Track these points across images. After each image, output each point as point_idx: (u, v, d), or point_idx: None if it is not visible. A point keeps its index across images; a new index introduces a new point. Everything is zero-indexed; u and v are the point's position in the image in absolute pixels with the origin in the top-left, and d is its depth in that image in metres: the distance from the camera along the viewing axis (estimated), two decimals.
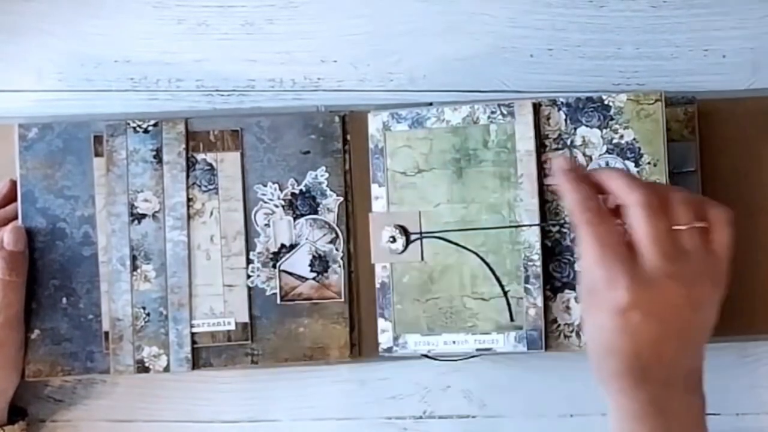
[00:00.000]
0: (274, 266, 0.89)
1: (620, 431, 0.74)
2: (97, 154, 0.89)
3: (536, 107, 0.87)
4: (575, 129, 0.86)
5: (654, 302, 0.71)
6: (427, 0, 0.93)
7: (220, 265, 0.89)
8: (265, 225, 0.89)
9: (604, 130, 0.86)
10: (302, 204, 0.89)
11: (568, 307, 0.86)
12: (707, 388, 0.90)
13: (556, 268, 0.86)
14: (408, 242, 0.88)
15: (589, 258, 0.72)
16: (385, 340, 0.88)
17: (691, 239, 0.72)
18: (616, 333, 0.71)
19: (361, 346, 0.89)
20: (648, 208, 0.72)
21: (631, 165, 0.85)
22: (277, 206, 0.89)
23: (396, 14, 0.93)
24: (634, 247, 0.72)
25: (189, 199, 0.89)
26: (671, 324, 0.72)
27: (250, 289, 0.89)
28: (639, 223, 0.72)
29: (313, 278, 0.89)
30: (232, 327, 0.88)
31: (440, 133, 0.88)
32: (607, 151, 0.86)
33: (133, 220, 0.88)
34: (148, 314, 0.88)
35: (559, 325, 0.86)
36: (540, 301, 0.85)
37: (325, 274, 0.89)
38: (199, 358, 0.88)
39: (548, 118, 0.87)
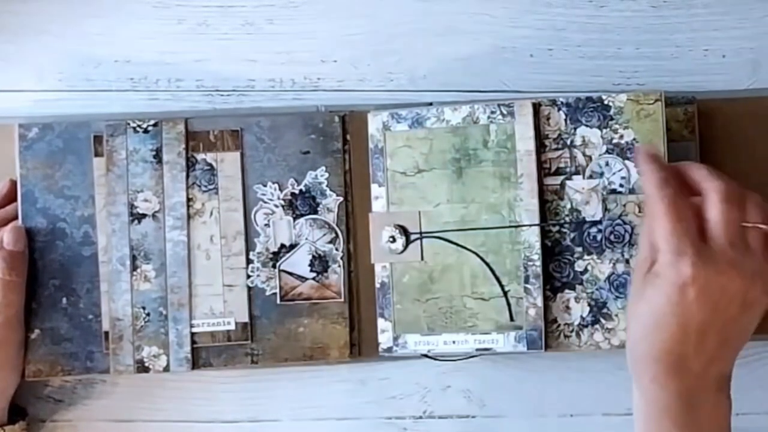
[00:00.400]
0: (274, 266, 0.89)
1: (646, 428, 0.74)
2: (97, 154, 0.89)
3: (536, 107, 0.87)
4: (575, 129, 0.86)
5: (712, 284, 0.72)
6: (427, 0, 0.93)
7: (220, 265, 0.89)
8: (265, 225, 0.89)
9: (604, 130, 0.86)
10: (302, 204, 0.89)
11: (567, 307, 0.86)
12: None
13: (555, 268, 0.86)
14: (408, 242, 0.88)
15: (661, 230, 0.74)
16: (385, 340, 0.88)
17: (756, 239, 0.75)
18: (669, 307, 0.72)
19: (361, 346, 0.90)
20: (726, 196, 0.74)
21: (631, 165, 0.85)
22: (277, 206, 0.89)
23: (396, 14, 0.93)
24: (705, 232, 0.74)
25: (189, 199, 0.89)
26: (720, 314, 0.73)
27: (249, 289, 0.89)
28: (715, 207, 0.74)
29: (313, 278, 0.89)
30: (232, 327, 0.88)
31: (440, 133, 0.88)
32: (607, 151, 0.86)
33: (133, 220, 0.88)
34: (148, 314, 0.88)
35: (558, 325, 0.86)
36: (540, 301, 0.85)
37: (325, 274, 0.89)
38: (198, 358, 0.88)
39: (548, 118, 0.87)
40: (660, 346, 0.73)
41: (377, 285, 0.89)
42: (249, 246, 0.89)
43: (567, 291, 0.86)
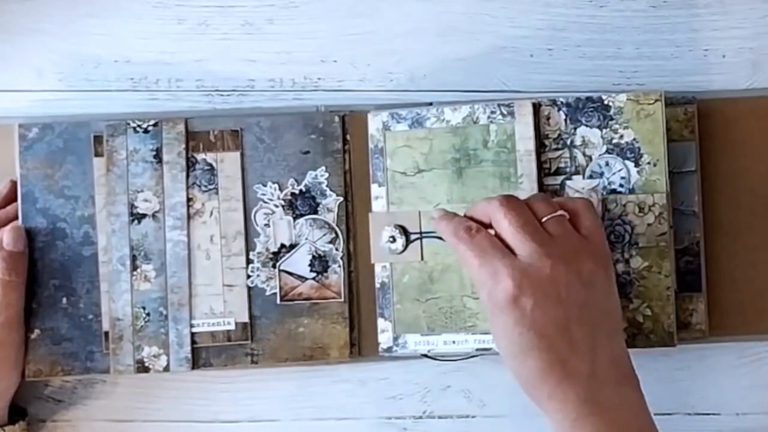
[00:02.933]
0: (273, 266, 0.89)
1: None
2: (97, 154, 0.89)
3: (536, 107, 0.87)
4: (575, 129, 0.86)
5: (539, 282, 0.72)
6: (427, 0, 0.93)
7: (220, 265, 0.89)
8: (265, 225, 0.89)
9: (604, 130, 0.86)
10: (302, 204, 0.89)
11: None
12: (708, 387, 0.91)
13: None
14: (408, 242, 0.88)
15: (473, 268, 0.75)
16: (384, 340, 0.88)
17: (556, 226, 0.76)
18: (517, 327, 0.72)
19: (360, 346, 0.90)
20: (507, 205, 0.76)
21: (631, 165, 0.85)
22: (277, 206, 0.89)
23: (396, 14, 0.93)
24: (510, 246, 0.75)
25: (189, 199, 0.89)
26: (568, 304, 0.73)
27: (249, 288, 0.89)
28: (503, 220, 0.75)
29: (313, 278, 0.89)
30: (232, 327, 0.88)
31: (440, 133, 0.88)
32: (607, 151, 0.86)
33: (133, 220, 0.88)
34: (148, 314, 0.88)
35: None
36: None
37: (325, 274, 0.89)
38: (198, 358, 0.88)
39: (548, 118, 0.87)
40: (537, 365, 0.72)
41: (377, 285, 0.89)
42: (249, 246, 0.89)
43: None
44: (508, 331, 0.73)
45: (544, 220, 0.76)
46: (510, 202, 0.76)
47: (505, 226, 0.75)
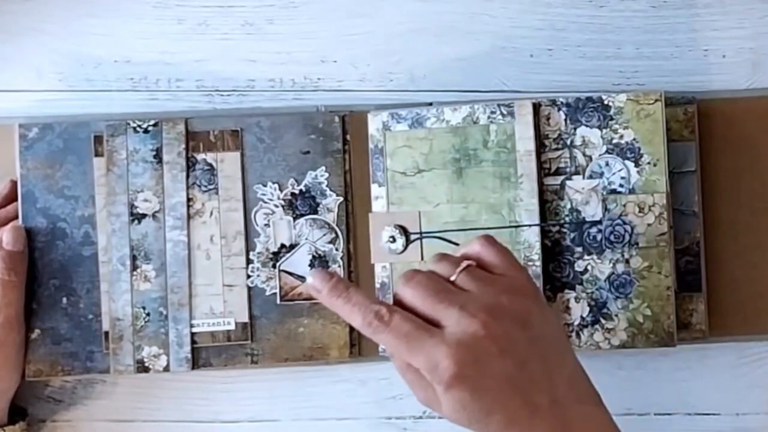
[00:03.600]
0: (273, 266, 0.89)
1: None
2: (97, 154, 0.89)
3: (536, 107, 0.87)
4: (575, 129, 0.86)
5: (476, 347, 0.69)
6: (427, 0, 0.93)
7: (220, 265, 0.89)
8: (265, 225, 0.89)
9: (604, 130, 0.86)
10: (302, 204, 0.90)
11: (567, 307, 0.86)
12: (708, 388, 0.91)
13: (555, 268, 0.86)
14: (408, 242, 0.88)
15: (404, 357, 0.70)
16: None
17: (467, 280, 0.72)
18: (474, 396, 0.69)
19: (361, 346, 0.89)
20: (411, 280, 0.72)
21: (631, 165, 0.85)
22: (277, 206, 0.89)
23: (396, 14, 0.93)
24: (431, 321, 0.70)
25: (189, 199, 0.89)
26: (511, 351, 0.69)
27: (249, 289, 0.89)
28: (413, 298, 0.71)
29: None
30: (232, 327, 0.88)
31: (440, 133, 0.88)
32: (607, 151, 0.86)
33: (133, 220, 0.88)
34: (148, 314, 0.88)
35: None
36: None
37: None
38: (198, 358, 0.88)
39: (548, 118, 0.87)
40: (503, 419, 0.69)
41: (377, 285, 0.89)
42: (249, 246, 0.89)
43: (567, 291, 0.86)
44: (465, 402, 0.69)
45: (453, 279, 0.72)
46: (412, 277, 0.72)
47: (418, 303, 0.71)
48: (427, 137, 0.88)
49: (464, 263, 0.73)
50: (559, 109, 0.87)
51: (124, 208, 0.88)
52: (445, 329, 0.69)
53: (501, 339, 0.69)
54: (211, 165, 0.89)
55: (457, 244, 0.87)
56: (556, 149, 0.87)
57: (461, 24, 0.92)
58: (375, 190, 0.89)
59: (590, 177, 0.86)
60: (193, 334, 0.88)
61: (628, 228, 0.85)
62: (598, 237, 0.86)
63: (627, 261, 0.85)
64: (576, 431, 0.70)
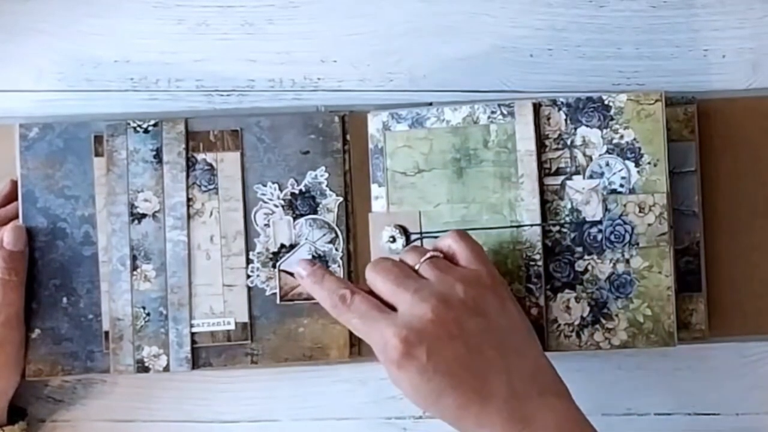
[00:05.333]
0: (273, 266, 0.89)
1: None
2: (97, 154, 0.89)
3: (536, 107, 0.87)
4: (575, 129, 0.86)
5: (424, 329, 0.73)
6: (427, 0, 0.93)
7: (220, 265, 0.89)
8: (265, 225, 0.89)
9: (605, 130, 0.86)
10: (302, 204, 0.90)
11: (568, 307, 0.86)
12: (708, 388, 0.91)
13: (556, 268, 0.86)
14: (408, 242, 0.88)
15: (361, 335, 0.77)
16: None
17: (429, 269, 0.77)
18: (422, 376, 0.72)
19: (361, 346, 0.89)
20: (376, 267, 0.78)
21: (631, 165, 0.85)
22: (276, 206, 0.89)
23: (396, 14, 0.93)
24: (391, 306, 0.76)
25: (189, 199, 0.89)
26: (461, 336, 0.73)
27: (249, 289, 0.89)
28: (376, 282, 0.77)
29: None
30: (232, 327, 0.88)
31: (440, 133, 0.88)
32: (608, 151, 0.86)
33: (133, 220, 0.88)
34: (148, 314, 0.88)
35: (559, 325, 0.86)
36: (542, 301, 0.85)
37: None
38: (198, 358, 0.88)
39: (548, 118, 0.87)
40: (454, 402, 0.72)
41: None
42: (249, 246, 0.89)
43: (567, 291, 0.86)
44: (415, 383, 0.73)
45: (417, 266, 0.78)
46: (378, 263, 0.79)
47: (380, 286, 0.77)
48: (427, 137, 0.88)
49: (429, 254, 0.78)
50: (559, 109, 0.87)
51: (124, 208, 0.88)
52: (399, 312, 0.74)
53: (450, 324, 0.73)
54: (211, 165, 0.89)
55: None
56: (557, 149, 0.87)
57: (461, 24, 0.92)
58: (375, 190, 0.89)
59: (590, 177, 0.86)
60: (193, 334, 0.88)
61: (629, 228, 0.85)
62: (599, 237, 0.86)
63: (627, 261, 0.85)
64: (535, 422, 0.72)
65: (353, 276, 0.89)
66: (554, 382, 0.75)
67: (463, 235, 0.80)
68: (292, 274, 0.89)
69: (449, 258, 0.79)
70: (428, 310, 0.73)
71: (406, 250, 0.81)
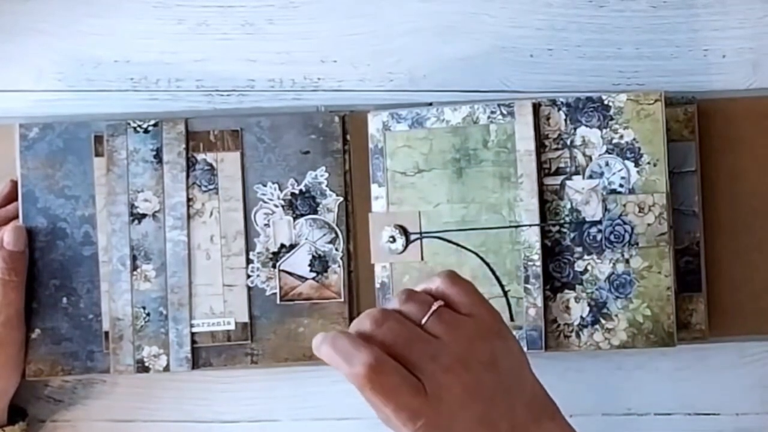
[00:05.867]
0: (273, 266, 0.89)
1: None
2: (97, 154, 0.89)
3: (536, 107, 0.87)
4: (575, 129, 0.86)
5: (450, 398, 0.69)
6: (427, 0, 0.93)
7: (220, 265, 0.89)
8: (265, 225, 0.89)
9: (604, 130, 0.86)
10: (302, 204, 0.90)
11: (567, 307, 0.86)
12: (708, 388, 0.91)
13: (555, 268, 0.86)
14: (408, 242, 0.88)
15: (387, 412, 0.69)
16: None
17: (437, 325, 0.71)
18: None
19: None
20: (382, 328, 0.70)
21: (631, 165, 0.85)
22: (277, 206, 0.89)
23: (396, 14, 0.93)
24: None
25: (189, 199, 0.89)
26: (481, 393, 0.70)
27: (249, 289, 0.89)
28: (384, 342, 0.69)
29: (313, 278, 0.89)
30: (232, 327, 0.89)
31: (440, 133, 0.88)
32: (607, 151, 0.86)
33: (133, 220, 0.88)
34: (148, 314, 0.88)
35: (558, 325, 0.86)
36: (540, 301, 0.85)
37: (325, 274, 0.89)
38: (198, 358, 0.88)
39: (548, 118, 0.87)
40: None
41: (377, 285, 0.89)
42: (249, 246, 0.89)
43: (567, 291, 0.86)
44: None
45: (423, 322, 0.71)
46: (383, 320, 0.71)
47: (393, 350, 0.69)
48: (427, 137, 0.88)
49: (434, 305, 0.72)
50: (559, 109, 0.87)
51: (124, 207, 0.88)
52: (425, 385, 0.68)
53: (471, 386, 0.70)
54: (211, 165, 0.89)
55: (457, 245, 0.87)
56: (556, 149, 0.87)
57: (461, 24, 0.92)
58: (375, 190, 0.89)
59: (590, 177, 0.86)
60: (193, 334, 0.88)
61: (628, 228, 0.85)
62: (598, 237, 0.86)
63: (627, 261, 0.85)
64: None
65: (353, 276, 0.90)
66: (547, 404, 0.75)
67: (454, 277, 0.75)
68: (292, 275, 0.89)
69: (448, 304, 0.73)
70: (455, 381, 0.69)
71: (403, 299, 0.73)
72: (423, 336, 0.71)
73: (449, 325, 0.72)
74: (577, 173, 0.86)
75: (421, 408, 0.68)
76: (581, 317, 0.86)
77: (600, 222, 0.86)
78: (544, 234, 0.86)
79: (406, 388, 0.69)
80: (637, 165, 0.85)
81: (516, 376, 0.74)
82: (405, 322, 0.71)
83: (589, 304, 0.86)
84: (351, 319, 0.89)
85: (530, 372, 0.75)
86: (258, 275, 0.89)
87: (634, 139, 0.85)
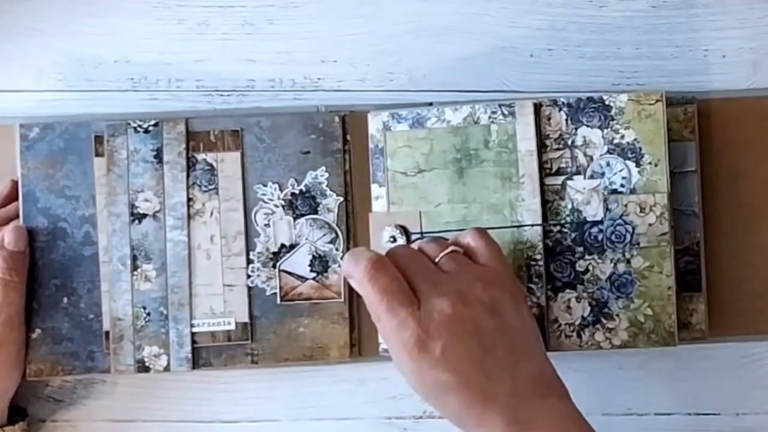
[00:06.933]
0: (274, 266, 0.89)
1: None
2: (97, 154, 0.89)
3: (537, 107, 0.87)
4: (576, 129, 0.86)
5: (443, 323, 0.73)
6: (427, 0, 0.93)
7: (220, 264, 0.89)
8: (265, 225, 0.89)
9: (605, 130, 0.86)
10: (302, 204, 0.90)
11: (569, 307, 0.86)
12: (708, 388, 0.91)
13: (557, 268, 0.86)
14: (408, 242, 0.88)
15: (379, 313, 0.75)
16: None
17: (450, 263, 0.77)
18: (433, 370, 0.72)
19: (361, 346, 0.90)
20: (399, 253, 0.78)
21: (632, 165, 0.85)
22: (277, 206, 0.89)
23: (396, 14, 0.93)
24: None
25: (189, 199, 0.89)
26: (476, 335, 0.73)
27: (250, 289, 0.89)
28: (396, 267, 0.76)
29: (313, 278, 0.89)
30: (232, 327, 0.88)
31: (441, 133, 0.88)
32: (608, 151, 0.86)
33: (133, 220, 0.88)
34: (148, 314, 0.88)
35: (560, 325, 0.86)
36: (543, 301, 0.85)
37: (325, 274, 0.89)
38: (199, 358, 0.88)
39: (549, 118, 0.87)
40: (459, 400, 0.72)
41: None
42: (249, 246, 0.89)
43: (568, 291, 0.86)
44: (424, 375, 0.73)
45: (437, 259, 0.78)
46: (400, 250, 0.79)
47: (402, 271, 0.76)
48: (428, 137, 0.88)
49: (450, 248, 0.78)
50: (560, 109, 0.87)
51: (124, 208, 0.88)
52: (420, 301, 0.74)
53: (468, 322, 0.73)
54: (211, 165, 0.89)
55: None
56: (557, 149, 0.87)
57: (461, 24, 0.93)
58: (375, 190, 0.89)
59: (591, 177, 0.86)
60: (193, 334, 0.88)
61: (629, 228, 0.85)
62: (599, 237, 0.86)
63: (628, 261, 0.85)
64: (535, 423, 0.72)
65: None
66: (556, 384, 0.75)
67: (482, 233, 0.80)
68: (292, 275, 0.89)
69: (468, 255, 0.79)
70: (448, 306, 0.73)
71: (426, 241, 0.82)
72: (431, 267, 0.77)
73: (459, 265, 0.77)
74: (578, 173, 0.86)
75: (409, 319, 0.73)
76: (582, 317, 0.86)
77: (601, 222, 0.86)
78: (545, 234, 0.86)
79: (401, 295, 0.74)
80: (638, 165, 0.85)
81: (522, 341, 0.76)
82: (419, 254, 0.79)
83: (590, 304, 0.86)
84: (351, 319, 0.89)
85: (542, 348, 0.77)
86: (258, 275, 0.89)
87: (635, 140, 0.86)
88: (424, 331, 0.72)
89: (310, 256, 0.89)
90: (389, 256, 0.78)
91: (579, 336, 0.86)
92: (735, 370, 0.90)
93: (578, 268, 0.86)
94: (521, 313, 0.76)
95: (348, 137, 0.90)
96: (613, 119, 0.86)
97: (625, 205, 0.85)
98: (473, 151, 0.87)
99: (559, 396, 0.75)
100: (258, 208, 0.89)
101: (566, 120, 0.87)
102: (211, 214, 0.89)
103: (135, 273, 0.88)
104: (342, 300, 0.89)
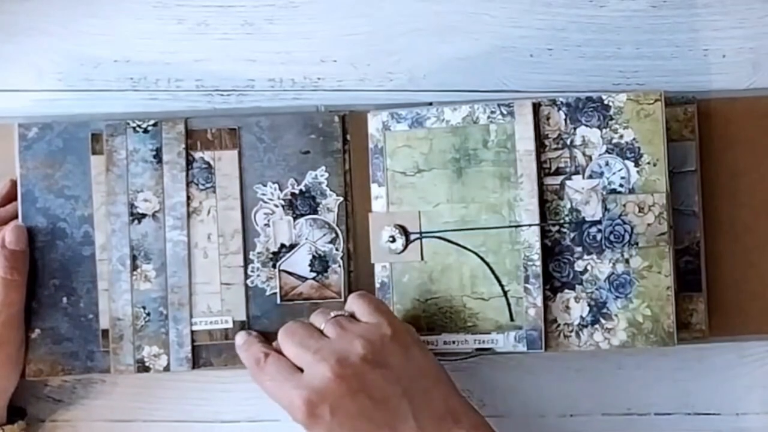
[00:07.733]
0: (273, 266, 0.89)
1: None
2: (94, 152, 0.89)
3: (536, 107, 0.87)
4: (575, 129, 0.86)
5: (326, 388, 0.76)
6: (427, 0, 0.93)
7: (218, 263, 0.89)
8: (265, 225, 0.89)
9: (604, 130, 0.86)
10: (302, 204, 0.89)
11: (567, 307, 0.86)
12: (708, 388, 0.91)
13: (555, 268, 0.86)
14: (408, 242, 0.88)
15: (274, 398, 0.79)
16: None
17: (332, 328, 0.80)
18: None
19: None
20: (285, 331, 0.81)
21: (630, 165, 0.85)
22: (277, 206, 0.89)
23: (396, 14, 0.93)
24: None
25: (187, 198, 0.89)
26: (363, 391, 0.76)
27: (247, 287, 0.89)
28: (285, 347, 0.81)
29: (313, 278, 0.89)
30: (230, 325, 0.89)
31: (440, 133, 0.88)
32: (607, 151, 0.86)
33: (133, 220, 0.88)
34: (148, 314, 0.88)
35: (558, 325, 0.86)
36: (540, 301, 0.85)
37: (325, 274, 0.89)
38: (199, 358, 0.88)
39: (548, 118, 0.87)
40: None
41: (377, 285, 0.89)
42: (248, 245, 0.89)
43: (567, 291, 0.86)
44: None
45: (322, 327, 0.81)
46: (288, 325, 0.82)
47: (287, 349, 0.80)
48: (427, 137, 0.88)
49: (333, 313, 0.82)
50: (559, 109, 0.87)
51: (124, 207, 0.88)
52: (303, 373, 0.77)
53: (351, 379, 0.76)
54: (208, 163, 0.89)
55: (457, 244, 0.87)
56: (556, 149, 0.87)
57: (461, 24, 0.92)
58: (375, 190, 0.89)
59: (590, 177, 0.86)
60: (191, 333, 0.88)
61: (628, 228, 0.85)
62: (598, 237, 0.86)
63: (627, 261, 0.85)
64: None
65: (353, 276, 0.89)
66: (466, 417, 0.79)
67: (361, 294, 0.84)
68: (292, 275, 0.89)
69: (352, 316, 0.82)
70: (327, 369, 0.76)
71: (315, 312, 0.84)
72: (314, 334, 0.80)
73: (342, 327, 0.80)
74: (577, 173, 0.86)
75: (293, 392, 0.76)
76: (581, 317, 0.86)
77: (600, 222, 0.86)
78: (544, 234, 0.86)
79: (283, 373, 0.79)
80: (637, 165, 0.85)
81: (421, 385, 0.78)
82: (305, 325, 0.82)
83: (588, 304, 0.86)
84: None
85: (446, 386, 0.80)
86: (258, 275, 0.89)
87: (634, 139, 0.85)
88: (308, 400, 0.75)
89: (310, 256, 0.89)
90: (282, 333, 0.81)
91: (578, 336, 0.86)
92: (735, 370, 0.90)
93: (577, 268, 0.86)
94: (412, 357, 0.79)
95: (348, 137, 0.90)
96: (612, 119, 0.86)
97: (624, 205, 0.85)
98: (472, 151, 0.87)
99: (472, 427, 0.77)
100: (258, 208, 0.89)
101: (565, 120, 0.86)
102: (209, 212, 0.89)
103: (135, 273, 0.88)
104: (342, 300, 0.89)
